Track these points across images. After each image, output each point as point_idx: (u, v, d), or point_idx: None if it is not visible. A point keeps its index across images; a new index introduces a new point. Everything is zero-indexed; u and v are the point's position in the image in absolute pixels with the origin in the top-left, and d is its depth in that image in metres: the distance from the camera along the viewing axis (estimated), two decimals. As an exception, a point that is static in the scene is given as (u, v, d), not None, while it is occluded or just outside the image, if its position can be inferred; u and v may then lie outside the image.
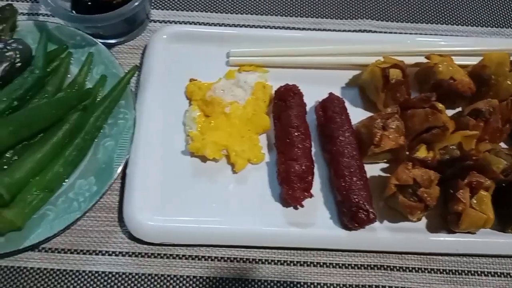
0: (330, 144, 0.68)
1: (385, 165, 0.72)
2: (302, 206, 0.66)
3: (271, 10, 0.86)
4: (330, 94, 0.72)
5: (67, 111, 0.68)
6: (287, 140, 0.67)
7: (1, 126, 0.63)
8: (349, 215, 0.63)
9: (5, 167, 0.64)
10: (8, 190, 0.61)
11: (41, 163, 0.65)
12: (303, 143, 0.67)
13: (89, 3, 0.78)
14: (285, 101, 0.70)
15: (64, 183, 0.66)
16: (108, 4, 0.77)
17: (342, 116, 0.69)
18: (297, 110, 0.69)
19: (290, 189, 0.64)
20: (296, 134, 0.67)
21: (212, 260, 0.66)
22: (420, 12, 0.88)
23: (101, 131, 0.70)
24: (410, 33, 0.84)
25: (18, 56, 0.69)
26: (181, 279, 0.64)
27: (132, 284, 0.64)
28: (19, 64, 0.69)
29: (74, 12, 0.78)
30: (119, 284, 0.64)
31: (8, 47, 0.69)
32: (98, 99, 0.72)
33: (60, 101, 0.68)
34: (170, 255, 0.66)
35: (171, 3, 0.86)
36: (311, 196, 0.65)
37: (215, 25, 0.83)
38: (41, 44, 0.73)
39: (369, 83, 0.72)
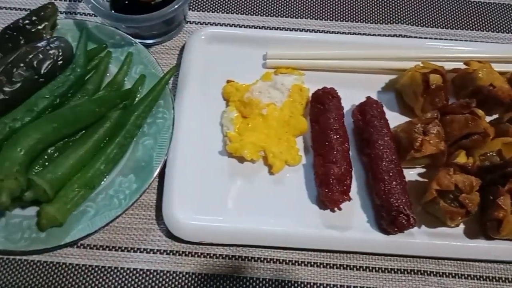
0: (368, 147, 0.68)
1: (422, 170, 0.72)
2: (340, 209, 0.66)
3: (307, 14, 0.87)
4: (368, 98, 0.72)
5: (109, 109, 0.69)
6: (326, 143, 0.67)
7: (45, 122, 0.64)
8: (389, 219, 0.63)
9: (47, 163, 0.65)
10: (52, 186, 0.62)
11: (82, 160, 0.66)
12: (342, 146, 0.67)
13: (127, 2, 0.80)
14: (324, 104, 0.70)
15: (103, 180, 0.67)
16: (146, 5, 0.78)
17: (381, 120, 0.69)
18: (335, 113, 0.69)
19: (329, 192, 0.64)
20: (335, 137, 0.67)
21: (249, 260, 0.66)
22: (456, 18, 0.88)
23: (140, 130, 0.70)
24: (446, 39, 0.84)
25: (60, 54, 0.70)
26: (218, 278, 0.65)
27: (170, 282, 0.64)
28: (61, 62, 0.70)
29: (113, 11, 0.79)
30: (157, 281, 0.64)
31: (51, 45, 0.70)
32: (137, 98, 0.73)
33: (103, 99, 0.69)
34: (208, 254, 0.66)
35: (207, 5, 0.87)
36: (349, 199, 0.66)
37: (250, 27, 0.84)
38: (81, 43, 0.74)
39: (408, 87, 0.72)
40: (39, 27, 0.73)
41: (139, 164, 0.68)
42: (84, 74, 0.72)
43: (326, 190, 0.65)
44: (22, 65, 0.67)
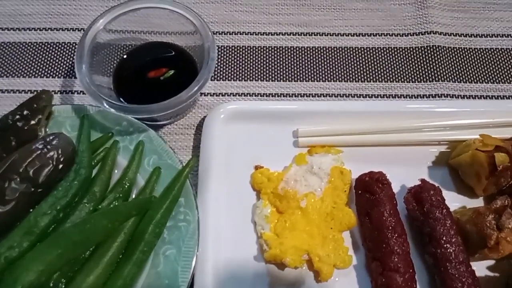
0: (432, 245, 0.58)
1: (491, 263, 0.62)
2: (406, 324, 0.56)
3: (334, 76, 0.76)
4: (423, 181, 0.62)
5: (123, 222, 0.58)
6: (383, 245, 0.57)
7: (48, 249, 0.53)
8: (468, 336, 0.53)
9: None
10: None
11: (95, 288, 0.55)
12: (402, 248, 0.57)
13: (132, 78, 0.70)
14: (373, 193, 0.60)
15: (121, 308, 0.56)
16: (155, 81, 0.69)
17: (442, 210, 0.59)
18: (389, 205, 0.59)
19: (394, 307, 0.54)
20: (393, 237, 0.57)
21: None
22: (507, 69, 0.77)
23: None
24: (497, 97, 0.74)
25: (60, 155, 0.59)
26: None
27: None
28: (61, 166, 0.59)
29: (115, 89, 0.69)
30: None
31: (48, 146, 0.58)
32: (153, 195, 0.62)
33: (116, 211, 0.57)
34: None
35: (221, 73, 0.76)
36: (417, 312, 0.56)
37: (269, 96, 0.74)
38: (84, 135, 0.63)
39: (468, 168, 0.62)
40: (32, 122, 0.61)
41: (162, 282, 0.57)
42: (90, 175, 0.61)
43: (390, 305, 0.54)
44: (15, 177, 0.55)
